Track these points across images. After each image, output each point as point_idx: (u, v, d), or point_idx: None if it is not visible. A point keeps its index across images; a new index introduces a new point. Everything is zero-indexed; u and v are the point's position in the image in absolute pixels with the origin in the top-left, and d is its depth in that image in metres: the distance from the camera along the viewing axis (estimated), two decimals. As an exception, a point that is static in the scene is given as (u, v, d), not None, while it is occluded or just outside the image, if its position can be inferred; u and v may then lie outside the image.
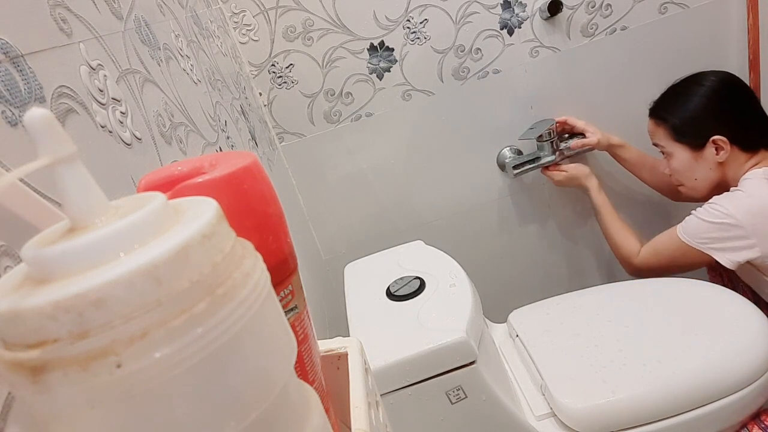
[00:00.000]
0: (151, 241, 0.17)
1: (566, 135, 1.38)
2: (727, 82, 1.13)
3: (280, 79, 1.26)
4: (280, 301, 0.27)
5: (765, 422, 0.95)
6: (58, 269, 0.17)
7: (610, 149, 1.34)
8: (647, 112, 1.39)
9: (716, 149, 1.09)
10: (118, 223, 0.17)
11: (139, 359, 0.16)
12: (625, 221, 1.28)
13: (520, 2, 1.26)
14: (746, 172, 1.09)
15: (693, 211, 1.10)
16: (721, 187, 1.13)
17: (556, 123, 1.32)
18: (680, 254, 1.11)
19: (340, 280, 1.17)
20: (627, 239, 1.23)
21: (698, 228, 1.07)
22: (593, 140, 1.29)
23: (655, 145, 1.20)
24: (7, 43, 0.33)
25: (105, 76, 0.44)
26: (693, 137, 1.12)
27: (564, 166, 1.34)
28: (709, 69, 1.16)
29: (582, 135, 1.32)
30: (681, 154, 1.14)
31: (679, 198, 1.28)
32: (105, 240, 0.17)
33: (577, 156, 1.38)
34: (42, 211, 0.24)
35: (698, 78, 1.15)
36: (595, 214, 1.32)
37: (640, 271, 1.20)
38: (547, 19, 1.27)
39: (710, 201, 1.08)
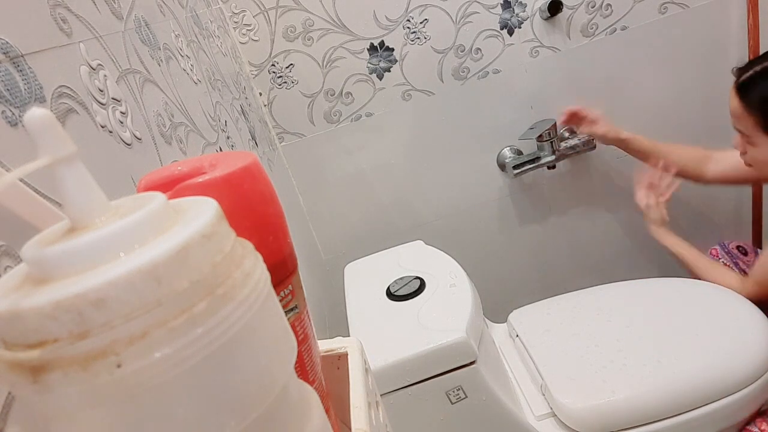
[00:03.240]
0: (151, 241, 0.17)
1: (566, 136, 1.38)
2: None
3: (280, 79, 1.26)
4: (280, 301, 0.27)
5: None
6: (58, 269, 0.17)
7: (620, 144, 1.28)
8: (647, 112, 1.39)
9: None
10: (118, 223, 0.17)
11: (139, 359, 0.16)
12: (708, 257, 1.17)
13: (520, 2, 1.26)
14: None
15: None
16: None
17: (566, 114, 1.27)
18: None
19: (340, 280, 1.17)
20: (724, 277, 1.12)
21: None
22: (600, 130, 1.24)
23: (737, 129, 1.03)
24: (7, 43, 0.33)
25: (105, 76, 0.44)
26: None
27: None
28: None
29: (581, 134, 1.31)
30: (766, 146, 0.98)
31: (705, 180, 1.20)
32: (105, 240, 0.17)
33: (578, 155, 1.38)
34: (42, 211, 0.24)
35: None
36: (679, 261, 1.19)
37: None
38: (547, 19, 1.27)
39: None
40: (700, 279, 1.14)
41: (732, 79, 1.04)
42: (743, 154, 1.04)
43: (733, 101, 1.01)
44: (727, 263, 1.21)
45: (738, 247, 1.18)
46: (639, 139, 1.26)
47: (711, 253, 1.21)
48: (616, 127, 1.26)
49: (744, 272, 1.19)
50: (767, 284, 1.04)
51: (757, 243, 1.47)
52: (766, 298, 1.06)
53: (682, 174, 1.25)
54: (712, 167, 1.21)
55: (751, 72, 0.98)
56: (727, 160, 1.19)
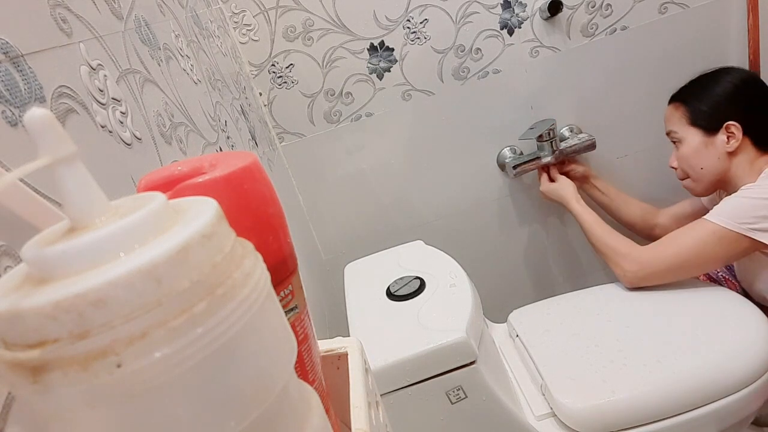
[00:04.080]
0: (151, 241, 0.17)
1: (566, 136, 1.39)
2: (755, 79, 1.13)
3: (280, 79, 1.26)
4: (280, 301, 0.27)
5: None
6: (58, 269, 0.17)
7: (589, 180, 1.38)
8: (647, 112, 1.39)
9: (728, 137, 1.07)
10: (118, 223, 0.17)
11: (139, 359, 0.16)
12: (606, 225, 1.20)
13: (520, 2, 1.26)
14: (761, 170, 1.04)
15: (724, 200, 1.03)
16: (724, 183, 1.11)
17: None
18: (701, 248, 1.01)
19: (340, 280, 1.17)
20: (618, 244, 1.13)
21: (741, 208, 0.99)
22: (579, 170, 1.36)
23: (668, 134, 1.17)
24: (7, 43, 0.33)
25: (105, 76, 0.44)
26: (708, 121, 1.09)
27: (554, 177, 1.34)
28: (709, 69, 1.16)
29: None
30: (692, 138, 1.11)
31: (654, 235, 1.29)
32: (105, 240, 0.17)
33: (578, 155, 1.38)
34: (42, 211, 0.24)
35: (727, 69, 1.14)
36: (586, 232, 1.22)
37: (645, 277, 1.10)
38: (547, 19, 1.27)
39: (745, 186, 1.02)
40: (595, 248, 1.18)
41: None
42: (677, 169, 1.17)
43: (666, 111, 1.18)
44: (727, 276, 1.21)
45: None
46: (605, 184, 1.38)
47: None
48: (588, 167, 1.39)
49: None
50: (679, 253, 1.05)
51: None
52: (659, 275, 1.08)
53: (632, 228, 1.37)
54: (660, 221, 1.33)
55: (683, 85, 1.16)
56: (672, 210, 1.32)
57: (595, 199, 1.39)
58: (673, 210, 1.32)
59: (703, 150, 1.10)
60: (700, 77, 1.15)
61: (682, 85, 1.17)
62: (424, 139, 1.36)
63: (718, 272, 1.23)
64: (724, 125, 1.07)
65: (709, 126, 1.09)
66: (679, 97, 1.16)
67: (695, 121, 1.11)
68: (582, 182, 1.37)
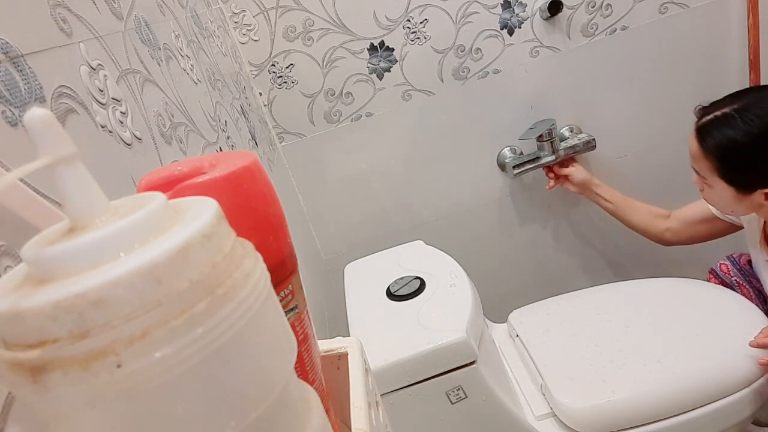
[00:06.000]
0: (151, 241, 0.17)
1: (566, 136, 1.39)
2: None
3: (280, 79, 1.26)
4: (280, 301, 0.27)
5: None
6: (58, 269, 0.17)
7: (591, 193, 1.35)
8: (647, 112, 1.39)
9: (765, 196, 0.92)
10: (118, 223, 0.17)
11: (139, 359, 0.16)
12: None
13: (520, 2, 1.26)
14: None
15: None
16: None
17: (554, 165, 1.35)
18: None
19: (340, 280, 1.17)
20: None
21: None
22: (579, 176, 1.33)
23: (694, 168, 1.01)
24: (7, 43, 0.33)
25: (105, 76, 0.44)
26: (742, 183, 0.94)
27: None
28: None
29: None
30: (723, 191, 0.96)
31: (665, 240, 1.27)
32: (105, 240, 0.17)
33: (577, 155, 1.38)
34: (42, 211, 0.24)
35: (761, 107, 0.91)
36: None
37: None
38: (547, 19, 1.27)
39: None
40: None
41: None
42: (701, 190, 1.03)
43: (692, 142, 0.99)
44: (740, 281, 1.16)
45: (750, 261, 1.16)
46: (610, 192, 1.34)
47: (721, 269, 1.19)
48: (590, 176, 1.35)
49: (760, 291, 1.16)
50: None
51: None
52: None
53: (643, 233, 1.31)
54: (671, 224, 1.26)
55: (711, 116, 0.96)
56: (683, 213, 1.24)
57: (602, 207, 1.36)
58: (684, 213, 1.24)
59: (735, 202, 0.97)
60: (727, 117, 0.93)
61: (709, 116, 0.96)
62: (424, 139, 1.36)
63: (732, 277, 1.20)
64: (762, 191, 0.92)
65: (744, 187, 0.94)
66: (707, 143, 0.95)
67: (727, 179, 0.95)
68: (582, 190, 1.35)
